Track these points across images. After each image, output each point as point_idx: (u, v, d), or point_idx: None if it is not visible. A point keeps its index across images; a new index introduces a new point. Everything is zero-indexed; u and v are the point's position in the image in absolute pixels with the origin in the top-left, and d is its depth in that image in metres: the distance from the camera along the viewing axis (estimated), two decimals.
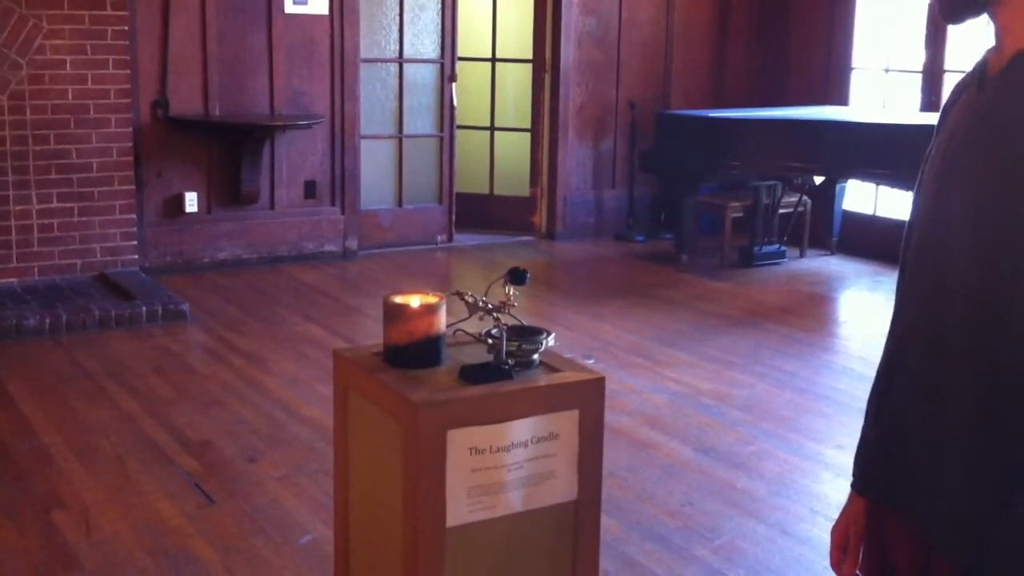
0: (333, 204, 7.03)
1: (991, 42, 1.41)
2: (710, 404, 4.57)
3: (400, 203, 7.47)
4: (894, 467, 1.45)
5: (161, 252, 6.50)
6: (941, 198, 1.38)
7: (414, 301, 1.84)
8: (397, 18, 7.25)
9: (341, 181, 7.02)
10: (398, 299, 1.86)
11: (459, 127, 7.67)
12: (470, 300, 1.85)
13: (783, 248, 7.31)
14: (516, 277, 1.78)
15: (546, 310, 5.87)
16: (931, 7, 1.49)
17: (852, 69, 7.71)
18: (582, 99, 7.82)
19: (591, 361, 5.03)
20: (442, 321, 1.86)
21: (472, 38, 7.99)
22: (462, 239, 7.66)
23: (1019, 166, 1.26)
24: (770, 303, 6.29)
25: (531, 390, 1.80)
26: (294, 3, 6.67)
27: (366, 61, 7.10)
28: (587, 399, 1.84)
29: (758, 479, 3.81)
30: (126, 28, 6.05)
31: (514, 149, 8.11)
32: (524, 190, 8.00)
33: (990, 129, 1.32)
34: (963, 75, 1.53)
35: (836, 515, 3.55)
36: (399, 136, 7.40)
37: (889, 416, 1.46)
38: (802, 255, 7.42)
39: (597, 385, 1.85)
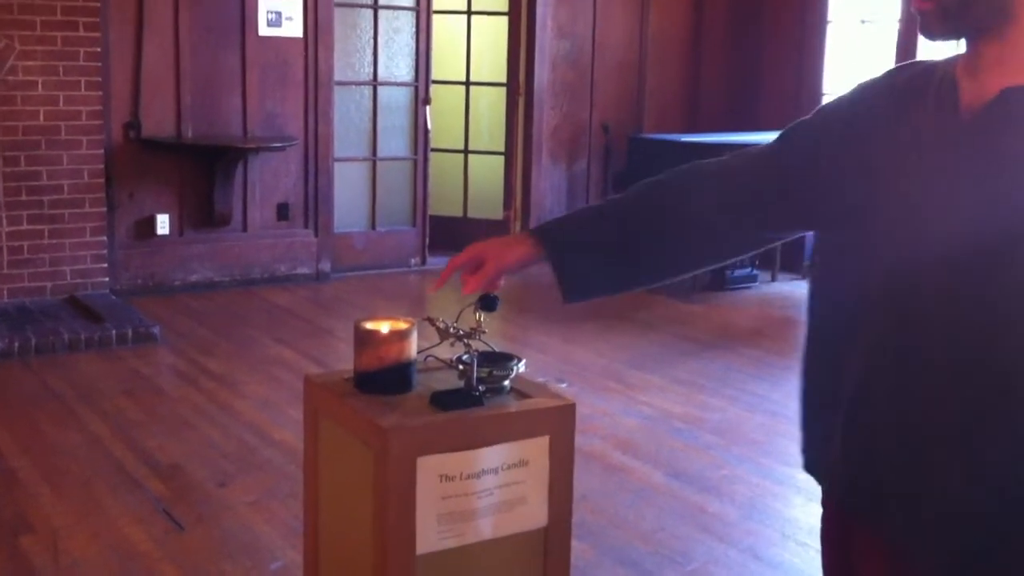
0: (306, 226, 7.02)
1: (943, 54, 1.42)
2: (682, 428, 4.58)
3: (373, 225, 7.47)
4: (870, 482, 1.43)
5: (132, 274, 6.46)
6: (926, 223, 1.36)
7: (384, 327, 1.84)
8: (371, 41, 7.27)
9: (314, 203, 7.01)
10: (369, 325, 1.85)
11: (433, 150, 7.69)
12: (441, 326, 1.85)
13: (755, 272, 7.35)
14: (487, 304, 1.78)
15: (519, 333, 5.88)
16: (911, 21, 1.49)
17: (823, 94, 7.78)
18: (556, 122, 7.86)
19: (563, 385, 5.04)
20: (413, 347, 1.86)
21: (446, 61, 8.02)
22: (436, 262, 7.66)
23: None
24: (742, 326, 6.32)
25: (501, 416, 1.80)
26: (268, 25, 6.68)
27: (340, 83, 7.11)
28: (557, 425, 1.84)
29: (729, 503, 3.82)
30: (99, 50, 6.03)
31: (488, 171, 8.14)
32: (498, 213, 8.02)
33: (992, 169, 1.32)
34: (906, 68, 1.52)
35: (808, 539, 3.56)
36: (373, 158, 7.41)
37: (865, 430, 1.43)
38: (774, 279, 7.47)
39: (567, 411, 1.85)
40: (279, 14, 6.69)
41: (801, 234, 1.69)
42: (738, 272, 7.25)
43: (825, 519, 1.60)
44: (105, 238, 6.19)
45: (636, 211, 1.71)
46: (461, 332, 1.83)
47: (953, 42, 1.42)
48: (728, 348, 5.82)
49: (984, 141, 1.34)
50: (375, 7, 7.26)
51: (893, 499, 1.40)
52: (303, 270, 7.02)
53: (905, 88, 1.48)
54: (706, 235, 1.68)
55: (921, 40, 1.46)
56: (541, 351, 5.59)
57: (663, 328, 6.18)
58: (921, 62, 1.52)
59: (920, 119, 1.42)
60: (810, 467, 1.60)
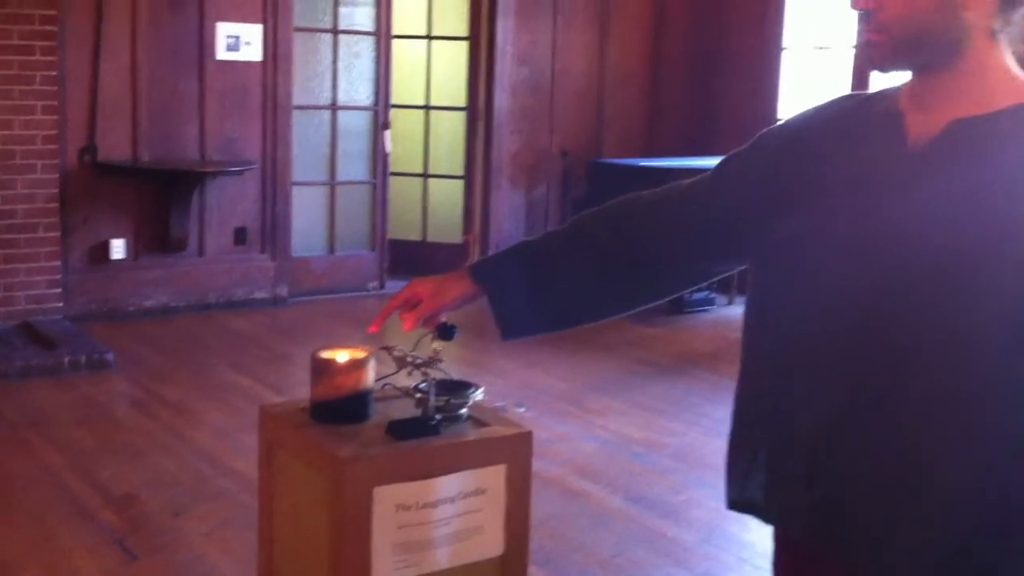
0: (264, 250, 6.97)
1: (888, 83, 1.43)
2: (641, 452, 4.59)
3: (332, 249, 7.44)
4: (840, 520, 1.42)
5: (87, 300, 6.38)
6: (879, 255, 1.37)
7: (341, 356, 1.83)
8: (331, 65, 7.27)
9: (272, 227, 6.97)
10: (325, 354, 1.84)
11: (392, 174, 7.69)
12: (398, 355, 1.84)
13: (712, 295, 7.40)
14: (444, 333, 1.78)
15: (478, 357, 5.87)
16: (862, 53, 1.50)
17: (779, 119, 7.87)
18: (516, 147, 7.88)
19: (522, 409, 5.03)
20: (370, 376, 1.85)
21: (406, 85, 8.03)
22: (394, 285, 7.62)
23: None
24: (700, 350, 6.35)
25: (458, 445, 1.79)
26: (227, 50, 6.65)
27: (299, 108, 7.09)
28: (514, 454, 1.84)
29: (687, 528, 3.82)
30: (55, 74, 5.97)
31: (447, 196, 8.14)
32: (457, 237, 8.01)
33: (944, 199, 1.34)
34: (845, 100, 1.54)
35: (764, 564, 3.57)
36: (332, 182, 7.39)
37: (834, 469, 1.41)
38: (731, 302, 7.52)
39: (524, 439, 1.85)
40: (238, 39, 6.67)
41: (741, 267, 1.66)
42: (696, 295, 7.29)
43: (778, 552, 1.60)
44: (59, 263, 6.12)
45: (572, 246, 1.69)
46: (418, 361, 1.82)
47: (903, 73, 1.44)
48: (687, 372, 5.85)
49: (935, 171, 1.36)
50: (335, 32, 7.26)
51: (865, 534, 1.39)
52: (260, 295, 6.97)
53: (846, 120, 1.49)
54: (645, 269, 1.66)
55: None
56: (500, 376, 5.58)
57: (622, 352, 6.20)
58: (859, 94, 1.54)
59: (866, 151, 1.43)
60: (743, 506, 1.57)
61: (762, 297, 1.54)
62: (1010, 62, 1.38)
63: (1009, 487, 1.31)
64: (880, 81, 1.51)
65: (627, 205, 1.70)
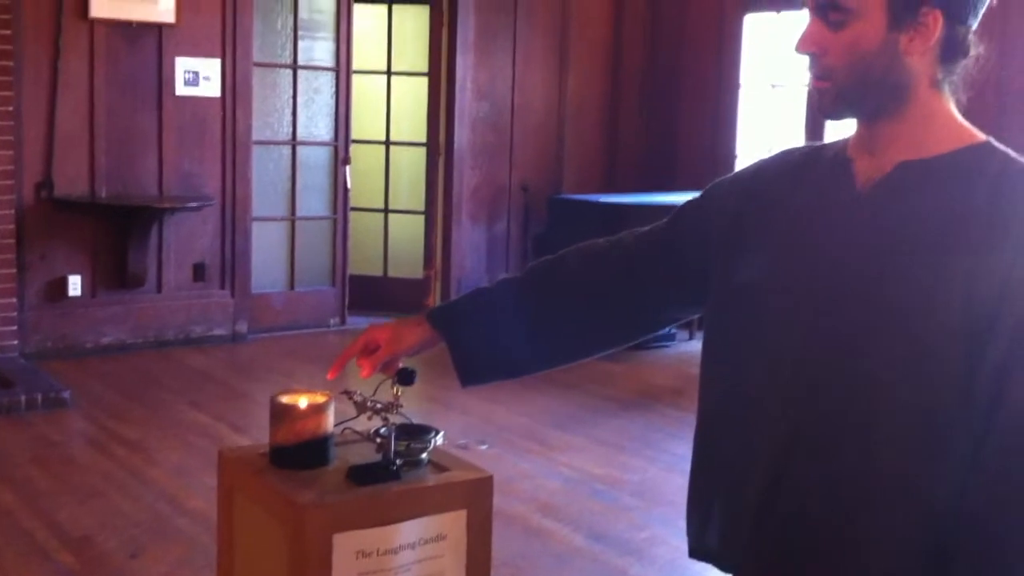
0: (223, 286, 6.93)
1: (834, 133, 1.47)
2: (602, 489, 4.59)
3: (292, 285, 7.41)
4: (789, 558, 1.43)
5: (43, 337, 6.30)
6: (830, 297, 1.40)
7: (301, 401, 1.81)
8: (291, 100, 7.27)
9: (231, 263, 6.93)
10: (285, 398, 1.83)
11: (353, 209, 7.68)
12: (358, 399, 1.83)
13: (674, 331, 7.43)
14: (404, 378, 1.77)
15: (441, 394, 5.84)
16: (811, 98, 1.53)
17: (736, 156, 7.96)
18: (476, 182, 7.91)
19: (485, 447, 5.02)
20: (330, 421, 1.84)
21: (366, 120, 8.04)
22: (356, 321, 7.61)
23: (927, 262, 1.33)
24: (661, 385, 6.37)
25: (419, 491, 1.78)
26: (185, 85, 6.63)
27: (259, 143, 7.08)
28: (475, 498, 1.83)
29: (649, 565, 3.82)
30: (11, 108, 5.93)
31: (408, 231, 8.14)
32: (418, 272, 8.01)
33: (892, 239, 1.37)
34: (796, 150, 1.57)
35: None
36: (292, 218, 7.37)
37: (782, 514, 1.43)
38: (692, 337, 7.56)
39: (485, 484, 1.84)
40: (196, 74, 6.66)
41: (696, 314, 1.68)
42: None
43: None
44: (15, 300, 6.05)
45: (531, 294, 1.71)
46: (379, 406, 1.81)
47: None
48: (648, 407, 5.86)
49: (881, 211, 1.39)
50: (294, 67, 7.26)
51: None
52: (219, 331, 6.92)
53: (797, 168, 1.53)
54: (602, 316, 1.69)
55: None
56: (463, 412, 5.57)
57: (584, 388, 6.20)
58: (810, 144, 1.58)
59: (815, 195, 1.47)
60: (702, 554, 1.58)
61: (715, 344, 1.56)
62: (953, 110, 1.43)
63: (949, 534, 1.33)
64: (833, 122, 1.54)
65: (583, 253, 1.72)
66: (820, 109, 1.45)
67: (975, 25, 1.40)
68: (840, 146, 1.50)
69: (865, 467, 1.37)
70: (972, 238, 1.33)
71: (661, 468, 4.86)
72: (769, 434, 1.44)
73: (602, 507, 4.38)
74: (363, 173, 8.03)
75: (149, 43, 6.49)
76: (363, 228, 8.06)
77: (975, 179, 1.36)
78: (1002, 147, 1.41)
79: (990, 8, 1.42)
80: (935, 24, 1.36)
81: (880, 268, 1.37)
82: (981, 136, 1.42)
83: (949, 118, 1.42)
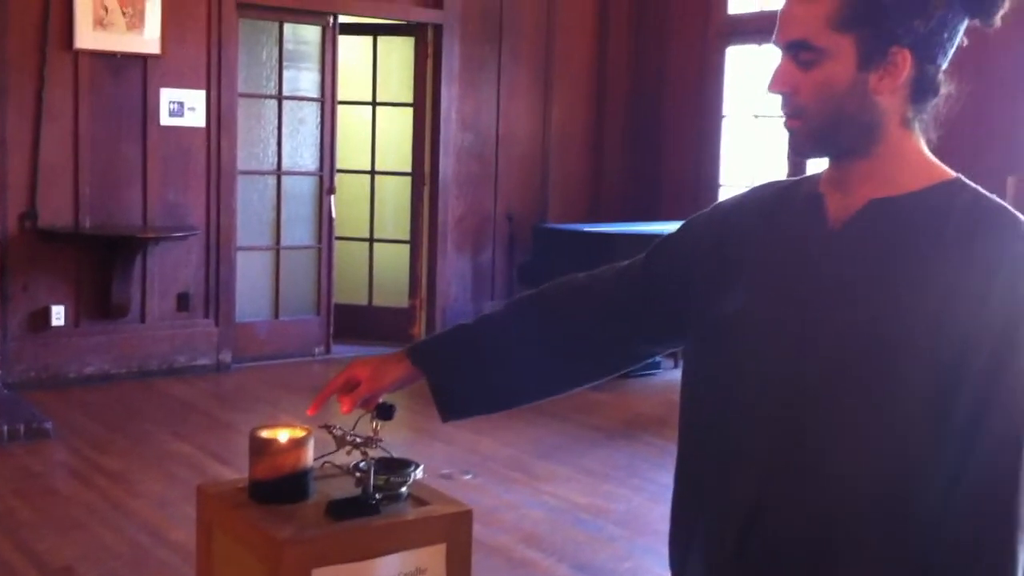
0: (207, 316, 6.92)
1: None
2: (587, 519, 4.58)
3: (277, 314, 7.40)
4: None
5: (25, 367, 6.28)
6: (803, 331, 1.41)
7: (281, 435, 1.82)
8: (276, 131, 7.29)
9: (216, 292, 6.92)
10: (264, 433, 1.83)
11: (338, 238, 7.69)
12: (338, 433, 1.84)
13: (658, 359, 7.45)
14: (383, 412, 1.78)
15: (425, 423, 5.83)
16: (787, 136, 1.56)
17: (720, 185, 8.00)
18: (461, 211, 7.93)
19: (469, 476, 5.01)
20: (309, 455, 1.84)
21: (351, 150, 8.07)
22: (340, 350, 7.60)
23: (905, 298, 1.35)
24: (646, 414, 6.37)
25: (398, 525, 1.78)
26: (170, 115, 6.65)
27: (244, 173, 7.09)
28: (454, 532, 1.83)
29: None
30: None
31: (393, 260, 8.15)
32: (403, 301, 8.01)
33: (863, 274, 1.39)
34: (770, 186, 1.59)
35: None
36: (276, 247, 7.37)
37: (762, 547, 1.44)
38: (676, 366, 7.57)
39: (464, 518, 1.84)
40: (181, 104, 6.67)
41: (675, 348, 1.70)
42: None
43: None
44: None
45: (511, 328, 1.73)
46: (358, 440, 1.81)
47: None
48: (633, 436, 5.86)
49: (852, 248, 1.41)
50: (279, 98, 7.29)
51: None
52: (203, 361, 6.90)
53: (772, 203, 1.54)
54: (581, 350, 1.70)
55: None
56: (448, 442, 5.56)
57: (569, 417, 6.20)
58: (783, 180, 1.60)
59: (788, 231, 1.49)
60: None
61: (694, 377, 1.57)
62: (923, 148, 1.45)
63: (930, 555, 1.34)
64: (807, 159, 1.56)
65: (563, 288, 1.74)
66: (793, 148, 1.47)
67: (945, 64, 1.42)
68: (813, 182, 1.52)
69: (844, 499, 1.38)
70: (942, 273, 1.35)
71: (646, 498, 4.86)
72: (749, 465, 1.45)
73: (586, 537, 4.37)
74: (348, 202, 8.04)
75: (134, 74, 6.51)
76: (348, 257, 8.07)
77: (945, 215, 1.38)
78: (972, 184, 1.43)
79: (965, 46, 1.45)
80: (904, 63, 1.38)
81: (853, 304, 1.39)
82: (951, 173, 1.44)
83: (919, 156, 1.44)
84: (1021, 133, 5.90)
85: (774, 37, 1.43)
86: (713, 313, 1.52)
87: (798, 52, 1.40)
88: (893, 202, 1.41)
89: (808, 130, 1.43)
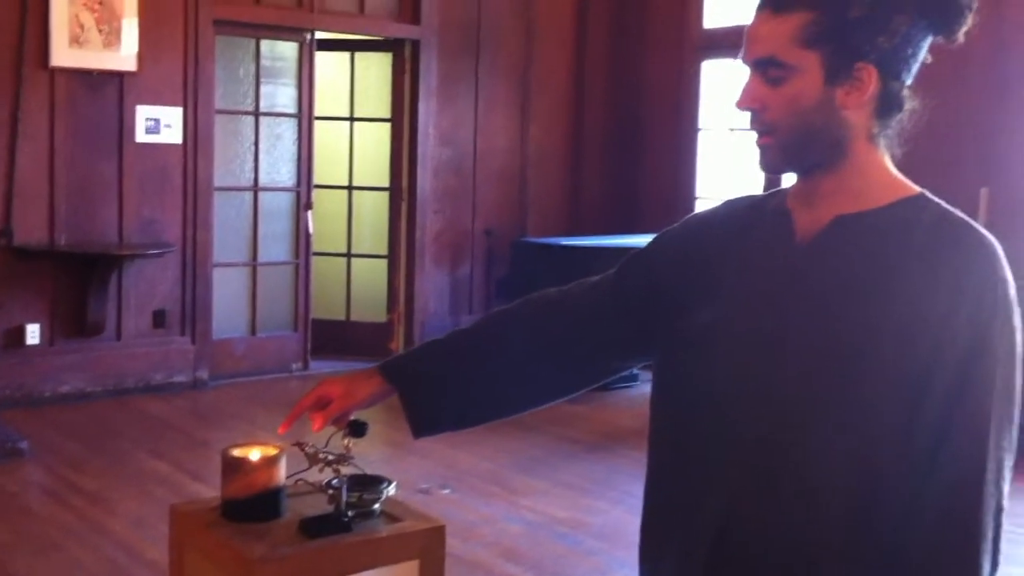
0: (183, 333, 6.89)
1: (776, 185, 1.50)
2: (566, 532, 4.58)
3: (254, 331, 7.38)
4: None
5: (0, 386, 6.23)
6: (768, 346, 1.43)
7: (253, 454, 1.82)
8: (253, 147, 7.28)
9: (192, 309, 6.90)
10: (236, 452, 1.83)
11: (316, 254, 7.67)
12: (310, 451, 1.84)
13: (636, 371, 7.45)
14: (355, 430, 1.78)
15: (402, 439, 5.83)
16: (758, 149, 1.56)
17: (697, 197, 8.04)
18: (439, 226, 7.93)
19: (447, 491, 5.00)
20: (282, 473, 1.84)
21: (329, 166, 8.06)
22: (319, 366, 7.58)
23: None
24: (624, 426, 6.38)
25: (371, 542, 1.78)
26: (146, 132, 6.63)
27: (220, 189, 7.07)
28: (428, 548, 1.83)
29: None
30: None
31: (371, 275, 8.14)
32: (381, 316, 8.01)
33: (827, 288, 1.41)
34: (738, 201, 1.60)
35: None
36: (254, 263, 7.35)
37: (732, 558, 1.45)
38: None
39: (437, 534, 1.84)
40: (158, 121, 6.66)
41: (645, 362, 1.70)
42: None
43: None
44: None
45: (482, 344, 1.74)
46: (330, 457, 1.81)
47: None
48: (611, 449, 5.87)
49: (818, 264, 1.43)
50: (256, 114, 7.28)
51: None
52: (180, 378, 6.87)
53: (740, 219, 1.56)
54: (552, 365, 1.71)
55: None
56: (425, 456, 5.55)
57: (546, 430, 6.20)
58: (751, 195, 1.62)
59: (756, 246, 1.50)
60: None
61: (663, 393, 1.59)
62: (888, 163, 1.46)
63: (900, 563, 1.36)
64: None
65: (534, 303, 1.75)
66: (764, 164, 1.48)
67: (910, 80, 1.45)
68: (781, 198, 1.53)
69: (809, 514, 1.39)
70: (908, 288, 1.36)
71: (624, 510, 4.86)
72: (719, 480, 1.46)
73: (565, 551, 4.37)
74: (326, 218, 8.03)
75: (110, 91, 6.49)
76: (326, 272, 8.06)
77: (910, 231, 1.40)
78: (936, 199, 1.45)
79: (929, 63, 1.47)
80: (870, 79, 1.41)
81: (818, 320, 1.40)
82: (915, 188, 1.46)
83: (885, 171, 1.46)
84: (993, 146, 5.96)
85: (741, 55, 1.46)
86: (681, 328, 1.53)
87: (767, 69, 1.42)
88: (859, 218, 1.43)
89: (779, 146, 1.44)
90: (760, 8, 1.44)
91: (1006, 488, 1.36)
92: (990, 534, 1.34)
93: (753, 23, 1.44)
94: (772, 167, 1.48)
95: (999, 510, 1.35)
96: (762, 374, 1.43)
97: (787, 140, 1.44)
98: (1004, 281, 1.37)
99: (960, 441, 1.33)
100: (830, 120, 1.42)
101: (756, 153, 1.48)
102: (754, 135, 1.47)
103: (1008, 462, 1.37)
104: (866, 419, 1.36)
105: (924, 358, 1.34)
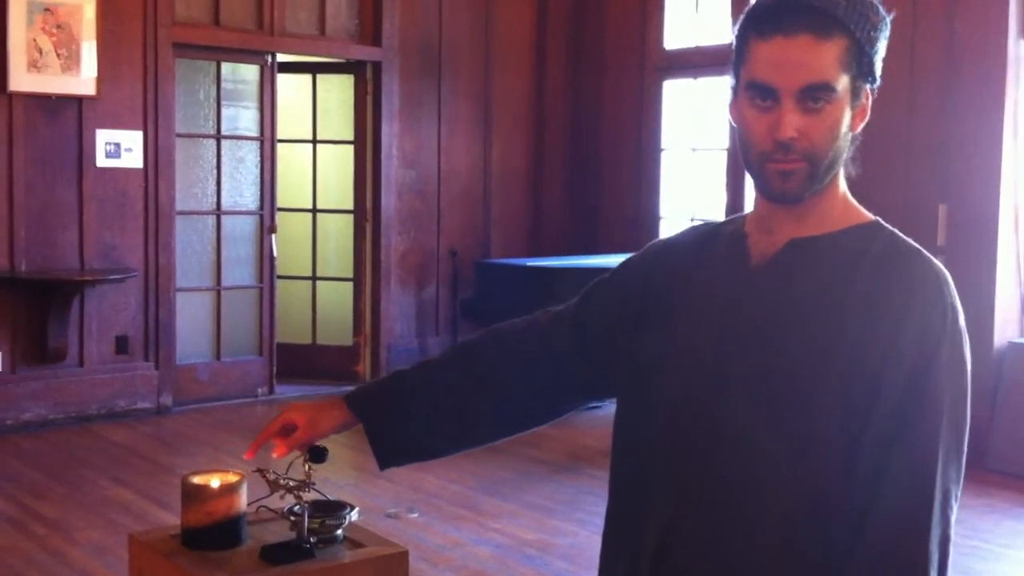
0: (147, 359, 6.82)
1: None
2: (533, 555, 4.57)
3: (218, 356, 7.32)
4: None
5: None
6: (722, 368, 1.43)
7: (213, 481, 1.80)
8: (215, 170, 7.24)
9: (155, 335, 6.83)
10: (196, 479, 1.82)
11: (280, 277, 7.63)
12: (271, 477, 1.83)
13: None
14: (315, 456, 1.78)
15: (368, 462, 5.77)
16: (775, 178, 1.55)
17: (660, 217, 8.08)
18: (404, 248, 7.92)
19: (414, 515, 4.98)
20: (242, 501, 1.83)
21: (293, 189, 8.03)
22: (284, 390, 7.53)
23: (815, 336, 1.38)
24: (591, 447, 6.38)
25: (333, 568, 1.78)
26: (107, 156, 6.58)
27: (182, 213, 7.03)
28: (390, 574, 1.83)
29: None
30: None
31: (336, 298, 8.11)
32: (347, 339, 7.97)
33: (779, 310, 1.42)
34: (696, 229, 1.61)
35: None
36: (217, 288, 7.30)
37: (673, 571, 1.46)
38: None
39: (400, 559, 1.84)
40: (118, 145, 6.61)
41: (611, 396, 1.67)
42: None
43: None
44: None
45: (448, 376, 1.74)
46: (291, 483, 1.80)
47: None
48: (578, 470, 5.87)
49: (769, 286, 1.44)
50: (218, 137, 7.25)
51: None
52: (144, 404, 6.80)
53: (699, 245, 1.57)
54: (516, 399, 1.72)
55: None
56: (391, 480, 5.51)
57: (514, 451, 6.19)
58: (713, 221, 1.63)
59: (712, 271, 1.51)
60: None
61: (619, 420, 1.60)
62: (845, 187, 1.48)
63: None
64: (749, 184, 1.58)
65: (499, 335, 1.75)
66: (783, 190, 1.41)
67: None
68: (739, 222, 1.54)
69: (750, 536, 1.40)
70: (855, 313, 1.37)
71: (591, 531, 4.85)
72: (660, 504, 1.47)
73: (533, 573, 4.36)
74: (290, 241, 8.00)
75: (69, 116, 6.44)
76: (291, 296, 8.02)
77: (860, 257, 1.41)
78: (889, 227, 1.46)
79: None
80: (867, 100, 1.42)
81: (766, 343, 1.41)
82: (869, 216, 1.47)
83: (844, 196, 1.47)
84: (951, 163, 6.03)
85: (777, 84, 1.37)
86: (637, 355, 1.54)
87: (815, 95, 1.37)
88: (813, 241, 1.44)
89: (811, 171, 1.40)
90: (790, 33, 1.36)
91: (952, 518, 1.36)
92: (936, 563, 1.33)
93: (789, 50, 1.36)
94: (792, 194, 1.41)
95: (945, 539, 1.34)
96: (706, 399, 1.44)
97: (819, 166, 1.40)
98: (953, 308, 1.37)
99: (906, 470, 1.33)
100: (846, 144, 1.42)
101: (776, 179, 1.41)
102: (779, 162, 1.39)
103: (955, 491, 1.36)
104: (810, 442, 1.36)
105: (868, 382, 1.34)
